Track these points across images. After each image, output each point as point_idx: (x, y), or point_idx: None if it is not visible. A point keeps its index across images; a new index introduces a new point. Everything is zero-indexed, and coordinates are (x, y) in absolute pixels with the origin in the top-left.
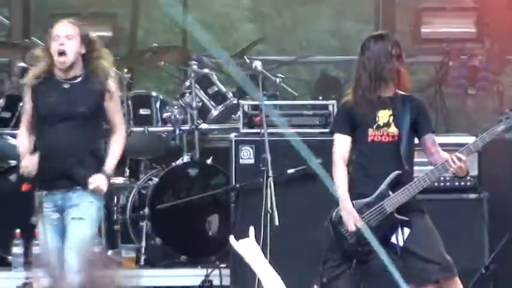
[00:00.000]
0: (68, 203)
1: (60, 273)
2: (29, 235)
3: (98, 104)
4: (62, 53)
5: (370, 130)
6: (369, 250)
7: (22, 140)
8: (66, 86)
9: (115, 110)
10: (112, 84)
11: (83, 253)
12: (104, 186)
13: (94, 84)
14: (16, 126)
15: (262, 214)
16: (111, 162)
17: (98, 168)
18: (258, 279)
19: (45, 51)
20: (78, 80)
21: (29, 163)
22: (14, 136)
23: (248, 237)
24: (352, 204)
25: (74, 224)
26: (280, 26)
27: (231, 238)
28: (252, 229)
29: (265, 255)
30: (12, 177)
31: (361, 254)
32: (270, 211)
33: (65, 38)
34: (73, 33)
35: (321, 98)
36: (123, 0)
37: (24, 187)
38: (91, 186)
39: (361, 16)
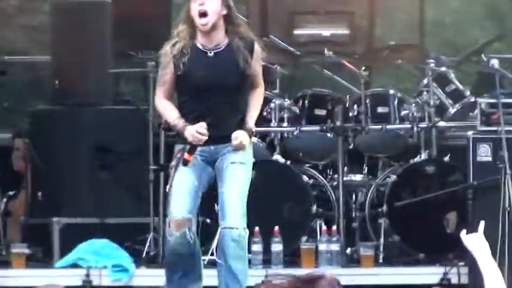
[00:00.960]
0: (222, 151)
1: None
2: (268, 233)
3: (245, 71)
4: (203, 14)
5: None
6: None
7: (167, 105)
8: (210, 54)
9: (258, 71)
10: (257, 47)
11: (243, 196)
12: (246, 142)
13: (240, 50)
14: None
15: (501, 212)
16: (252, 116)
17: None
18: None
19: (185, 18)
20: (223, 47)
21: (202, 130)
22: None
23: (478, 231)
24: None
25: (233, 167)
26: None
27: (463, 233)
28: (482, 223)
29: (504, 253)
30: None
31: None
32: (509, 209)
33: None
34: None
35: None
36: None
37: (189, 157)
38: (234, 142)
39: None
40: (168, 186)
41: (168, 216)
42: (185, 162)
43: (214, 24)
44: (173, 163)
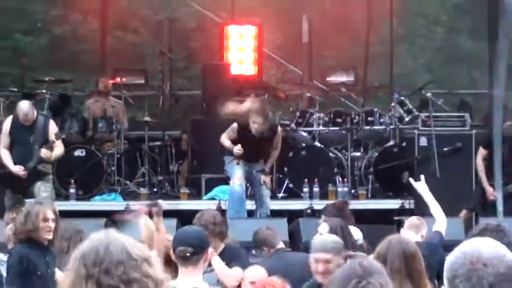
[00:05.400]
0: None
1: None
2: (312, 182)
3: None
4: None
5: None
6: None
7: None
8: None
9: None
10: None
11: None
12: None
13: None
14: None
15: (431, 171)
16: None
17: None
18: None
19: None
20: None
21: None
22: None
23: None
24: None
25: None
26: None
27: (411, 180)
28: (422, 177)
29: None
30: None
31: None
32: (436, 170)
33: None
34: None
35: None
36: None
37: (238, 161)
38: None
39: None
40: (226, 169)
41: (233, 177)
42: (237, 163)
43: None
44: (228, 164)
